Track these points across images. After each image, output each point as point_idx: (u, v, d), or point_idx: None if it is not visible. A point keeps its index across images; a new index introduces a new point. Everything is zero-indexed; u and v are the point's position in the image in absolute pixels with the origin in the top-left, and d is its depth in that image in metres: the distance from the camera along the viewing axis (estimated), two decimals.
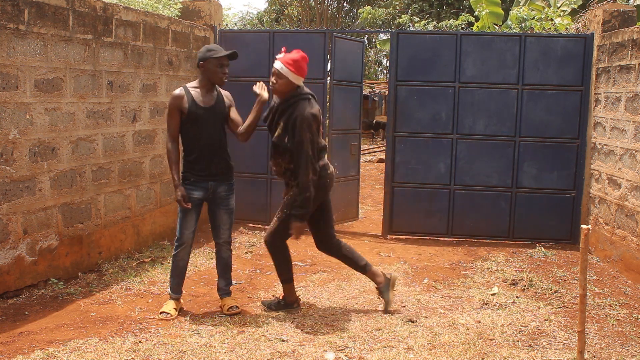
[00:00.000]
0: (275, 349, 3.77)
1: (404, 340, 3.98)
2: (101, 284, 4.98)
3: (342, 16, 26.73)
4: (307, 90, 4.23)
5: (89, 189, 5.30)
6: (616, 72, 6.04)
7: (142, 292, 4.85)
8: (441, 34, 7.08)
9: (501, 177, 6.83)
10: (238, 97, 7.49)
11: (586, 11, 8.15)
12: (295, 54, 4.18)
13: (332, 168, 4.38)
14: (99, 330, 4.03)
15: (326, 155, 4.36)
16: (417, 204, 6.95)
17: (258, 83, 4.27)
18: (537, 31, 8.70)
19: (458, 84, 6.79)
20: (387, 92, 8.91)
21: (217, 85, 4.27)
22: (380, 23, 18.80)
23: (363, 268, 4.50)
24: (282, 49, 4.23)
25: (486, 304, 4.71)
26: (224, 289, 4.47)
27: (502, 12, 11.25)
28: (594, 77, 6.55)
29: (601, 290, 5.19)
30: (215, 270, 4.54)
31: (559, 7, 10.23)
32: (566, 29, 8.85)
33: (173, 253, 4.36)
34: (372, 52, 26.84)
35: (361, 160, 8.44)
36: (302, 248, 6.32)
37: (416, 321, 4.31)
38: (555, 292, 5.07)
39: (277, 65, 4.12)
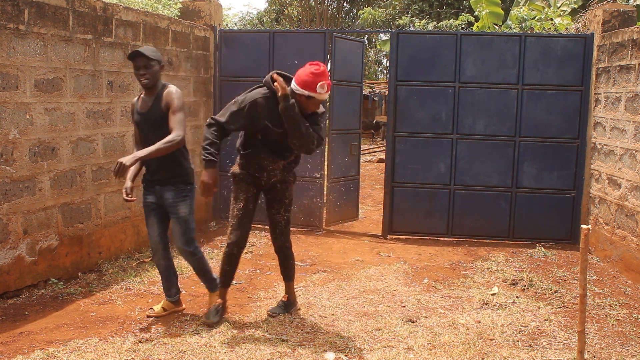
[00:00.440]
0: (276, 349, 3.77)
1: (404, 340, 3.98)
2: (101, 284, 4.98)
3: (342, 16, 26.74)
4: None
5: (89, 189, 5.30)
6: (616, 72, 6.04)
7: (142, 292, 4.85)
8: (441, 34, 7.08)
9: (501, 177, 6.82)
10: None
11: (586, 11, 8.15)
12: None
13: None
14: (99, 330, 4.03)
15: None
16: (417, 204, 6.95)
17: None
18: (537, 31, 8.70)
19: (458, 84, 6.78)
20: (387, 92, 8.91)
21: (161, 88, 4.03)
22: (380, 23, 18.81)
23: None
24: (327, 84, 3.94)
25: (486, 304, 4.71)
26: (207, 287, 4.43)
27: (502, 12, 11.25)
28: (594, 77, 6.55)
29: (601, 290, 5.19)
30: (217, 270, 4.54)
31: (559, 7, 10.23)
32: (566, 29, 8.86)
33: None
34: (372, 52, 26.85)
35: (361, 160, 8.43)
36: (302, 248, 6.33)
37: (416, 321, 4.31)
38: (555, 292, 5.07)
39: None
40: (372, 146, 19.32)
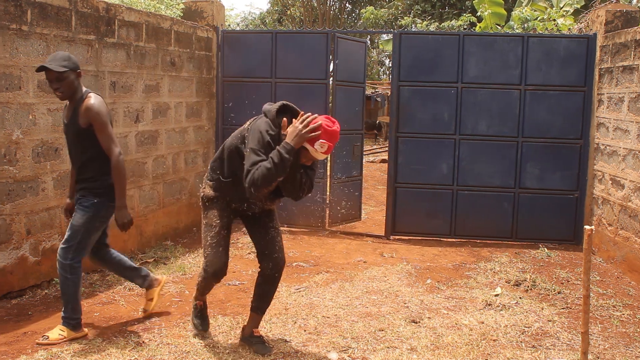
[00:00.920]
0: (279, 350, 3.77)
1: (407, 340, 3.97)
2: (104, 284, 4.98)
3: (345, 17, 26.77)
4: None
5: None
6: (619, 72, 6.03)
7: (145, 292, 4.84)
8: (444, 34, 7.07)
9: (504, 178, 6.82)
10: (240, 98, 7.55)
11: (589, 11, 8.15)
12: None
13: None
14: (102, 330, 4.04)
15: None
16: (419, 204, 6.94)
17: None
18: (540, 32, 8.69)
19: (461, 84, 6.78)
20: (389, 93, 8.90)
21: (79, 99, 3.80)
22: (383, 24, 18.81)
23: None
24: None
25: (489, 305, 4.70)
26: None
27: (504, 12, 11.24)
28: (596, 77, 6.54)
29: (605, 291, 5.18)
30: None
31: (562, 7, 10.23)
32: (569, 29, 8.85)
33: None
34: (374, 52, 26.84)
35: (364, 160, 8.43)
36: (304, 249, 6.32)
37: (419, 322, 4.31)
38: (558, 292, 5.06)
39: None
40: (375, 147, 19.30)
